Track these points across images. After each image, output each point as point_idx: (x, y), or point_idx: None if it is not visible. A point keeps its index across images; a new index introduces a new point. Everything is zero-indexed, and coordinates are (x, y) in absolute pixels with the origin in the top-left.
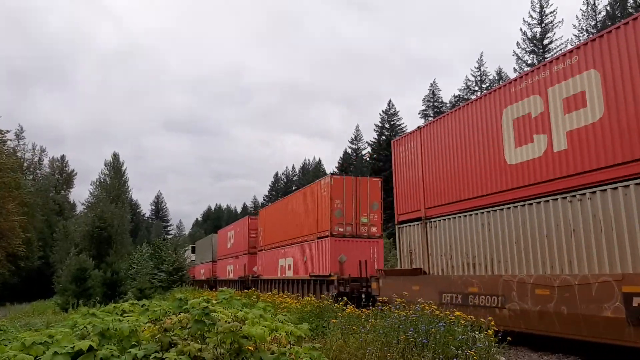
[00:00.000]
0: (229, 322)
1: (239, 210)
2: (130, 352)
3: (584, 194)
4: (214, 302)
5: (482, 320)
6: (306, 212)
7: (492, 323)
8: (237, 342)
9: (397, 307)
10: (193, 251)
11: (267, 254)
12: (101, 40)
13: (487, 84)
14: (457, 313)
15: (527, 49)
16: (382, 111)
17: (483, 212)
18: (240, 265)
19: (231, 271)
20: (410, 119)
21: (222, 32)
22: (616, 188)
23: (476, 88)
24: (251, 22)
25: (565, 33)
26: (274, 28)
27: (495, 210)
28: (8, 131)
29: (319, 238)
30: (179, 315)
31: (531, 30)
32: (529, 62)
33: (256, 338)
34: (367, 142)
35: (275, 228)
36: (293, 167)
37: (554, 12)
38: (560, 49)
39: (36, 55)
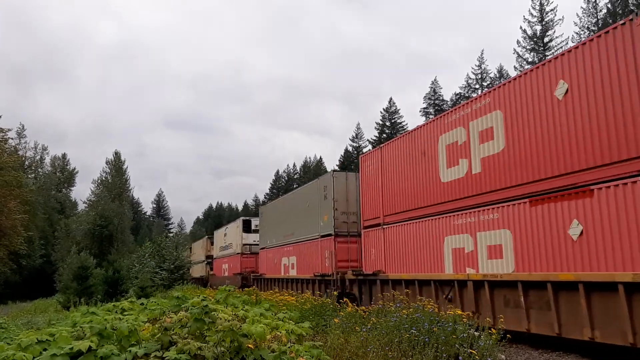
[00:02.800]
0: (228, 321)
1: (240, 208)
2: (130, 350)
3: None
4: (213, 300)
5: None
6: None
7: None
8: (237, 340)
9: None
10: (247, 229)
11: None
12: (101, 37)
13: (488, 82)
14: (459, 311)
15: (528, 47)
16: (383, 109)
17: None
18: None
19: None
20: (412, 117)
21: (222, 29)
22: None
23: (477, 86)
24: (251, 19)
25: (566, 31)
26: (274, 25)
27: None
28: (10, 129)
29: None
30: (179, 314)
31: (531, 28)
32: (530, 60)
33: (256, 336)
34: (367, 140)
35: None
36: (294, 165)
37: (555, 10)
38: (561, 47)
39: (37, 53)
